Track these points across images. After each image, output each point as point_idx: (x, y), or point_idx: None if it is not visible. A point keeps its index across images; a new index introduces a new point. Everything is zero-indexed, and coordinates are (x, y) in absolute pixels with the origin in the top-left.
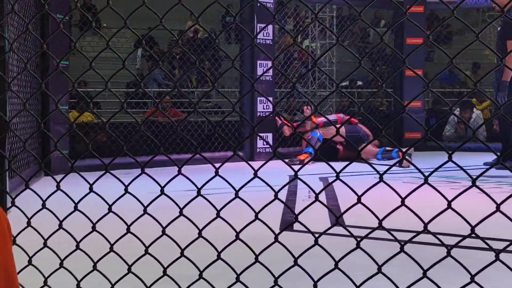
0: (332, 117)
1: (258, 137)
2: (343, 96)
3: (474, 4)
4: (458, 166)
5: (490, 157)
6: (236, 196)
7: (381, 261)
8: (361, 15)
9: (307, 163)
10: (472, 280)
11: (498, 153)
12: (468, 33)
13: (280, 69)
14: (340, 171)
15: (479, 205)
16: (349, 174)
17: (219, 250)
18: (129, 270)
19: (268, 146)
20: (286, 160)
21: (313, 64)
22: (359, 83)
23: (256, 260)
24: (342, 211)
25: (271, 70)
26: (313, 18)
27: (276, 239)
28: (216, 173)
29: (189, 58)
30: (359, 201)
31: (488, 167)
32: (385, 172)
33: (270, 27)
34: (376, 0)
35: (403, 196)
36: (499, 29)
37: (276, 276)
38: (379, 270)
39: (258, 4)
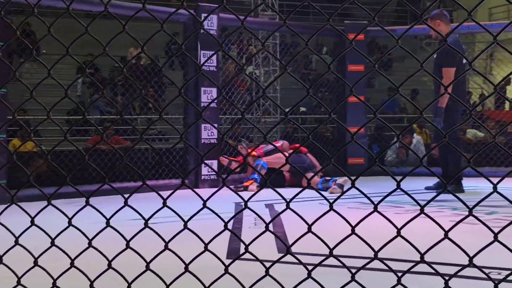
0: (271, 147)
1: (203, 165)
2: (287, 123)
3: (412, 32)
4: (407, 194)
5: (431, 181)
6: (185, 227)
7: None
8: (308, 43)
9: (258, 191)
10: None
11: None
12: (407, 60)
13: (225, 96)
14: (291, 200)
15: (425, 229)
16: (295, 201)
17: (168, 283)
18: None
19: (212, 173)
20: (232, 187)
21: (262, 91)
22: (303, 109)
23: None
24: (289, 238)
25: (215, 97)
26: (258, 45)
27: (226, 271)
28: (164, 204)
29: (132, 85)
30: (309, 230)
31: (430, 191)
32: (334, 201)
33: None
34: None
35: (352, 223)
36: (435, 56)
37: None
38: None
39: (202, 31)
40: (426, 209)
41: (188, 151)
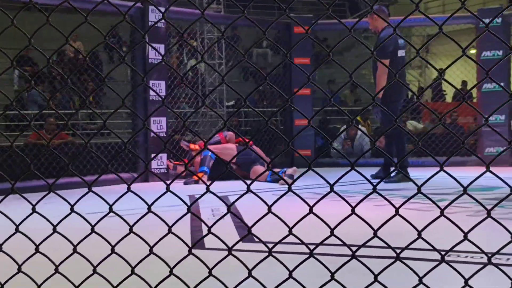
0: (216, 138)
1: (153, 158)
2: (232, 116)
3: (348, 25)
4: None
5: (374, 170)
6: (149, 211)
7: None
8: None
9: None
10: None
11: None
12: (345, 53)
13: (170, 89)
14: (251, 183)
15: (378, 217)
16: (256, 192)
17: (133, 266)
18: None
19: (163, 167)
20: (183, 181)
21: (221, 79)
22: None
23: (171, 273)
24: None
25: (163, 90)
26: (199, 38)
27: (190, 252)
28: (128, 189)
29: (70, 79)
30: (269, 211)
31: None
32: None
33: (161, 46)
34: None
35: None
36: (372, 49)
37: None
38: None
39: (149, 24)
40: (377, 199)
41: (138, 144)
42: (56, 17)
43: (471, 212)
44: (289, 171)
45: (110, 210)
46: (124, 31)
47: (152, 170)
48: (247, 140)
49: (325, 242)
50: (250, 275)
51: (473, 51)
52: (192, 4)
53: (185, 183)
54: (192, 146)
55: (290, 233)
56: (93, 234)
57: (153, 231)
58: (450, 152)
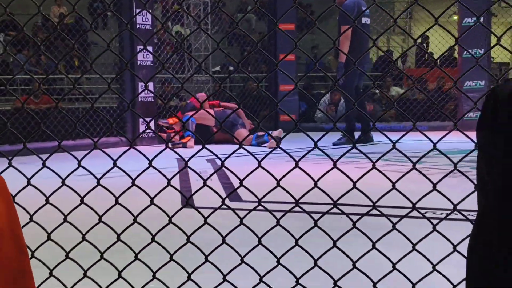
0: (189, 104)
1: (140, 122)
2: (216, 82)
3: None
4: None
5: (336, 137)
6: (133, 184)
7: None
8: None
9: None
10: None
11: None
12: (329, 19)
13: (157, 54)
14: (238, 148)
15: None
16: (235, 156)
17: (119, 233)
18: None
19: (149, 131)
20: (170, 145)
21: (217, 45)
22: (231, 68)
23: (153, 240)
24: (235, 188)
25: (150, 55)
26: (184, 4)
27: (170, 221)
28: (115, 164)
29: (54, 44)
30: (259, 165)
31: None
32: (262, 159)
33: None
34: None
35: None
36: (338, 18)
37: (171, 252)
38: (296, 243)
39: None
40: (360, 163)
41: (125, 109)
42: None
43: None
44: (275, 133)
45: (114, 164)
46: None
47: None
48: (216, 103)
49: (311, 200)
50: (241, 223)
51: (456, 17)
52: None
53: (172, 146)
54: (170, 120)
55: (278, 185)
56: (98, 188)
57: (147, 189)
58: (430, 117)
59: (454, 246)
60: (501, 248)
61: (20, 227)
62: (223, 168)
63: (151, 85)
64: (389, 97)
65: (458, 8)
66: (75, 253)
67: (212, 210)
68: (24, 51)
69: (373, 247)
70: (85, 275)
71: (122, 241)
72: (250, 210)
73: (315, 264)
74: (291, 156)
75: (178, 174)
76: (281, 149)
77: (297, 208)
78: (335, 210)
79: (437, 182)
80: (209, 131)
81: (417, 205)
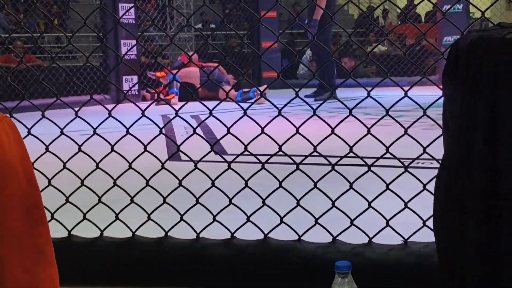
0: (179, 61)
1: (124, 80)
2: (199, 39)
3: None
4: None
5: (309, 91)
6: (128, 133)
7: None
8: None
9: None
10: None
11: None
12: None
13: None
14: (216, 106)
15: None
16: (220, 112)
17: (115, 178)
18: None
19: (134, 88)
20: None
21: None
22: (212, 25)
23: (147, 184)
24: (221, 142)
25: (133, 13)
26: None
27: (162, 166)
28: (109, 115)
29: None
30: (245, 113)
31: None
32: (248, 107)
33: None
34: None
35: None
36: None
37: (165, 196)
38: (280, 185)
39: None
40: (340, 116)
41: (108, 67)
42: None
43: (427, 126)
44: (261, 88)
45: (109, 115)
46: None
47: (124, 91)
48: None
49: (294, 151)
50: (229, 167)
51: None
52: None
53: (156, 103)
54: (158, 74)
55: (262, 131)
56: (92, 142)
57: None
58: (410, 73)
59: (424, 185)
60: (459, 184)
61: (31, 164)
62: (208, 124)
63: (133, 43)
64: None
65: None
66: (74, 198)
67: (201, 157)
68: (2, 10)
69: (350, 187)
70: (84, 218)
71: (118, 186)
72: (237, 155)
73: (298, 204)
74: (274, 106)
75: (164, 129)
76: (267, 100)
77: (281, 159)
78: (317, 160)
79: (408, 127)
80: (193, 89)
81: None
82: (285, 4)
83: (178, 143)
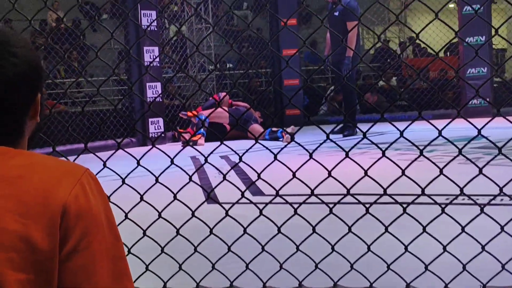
0: (210, 101)
1: (150, 122)
2: (221, 79)
3: None
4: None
5: (365, 126)
6: (157, 181)
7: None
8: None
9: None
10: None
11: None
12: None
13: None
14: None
15: (378, 169)
16: (252, 151)
17: (144, 229)
18: None
19: (160, 130)
20: (181, 143)
21: (195, 48)
22: (229, 65)
23: (177, 233)
24: (253, 181)
25: (157, 56)
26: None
27: (193, 215)
28: (138, 164)
29: (54, 49)
30: (275, 158)
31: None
32: (278, 152)
33: (154, 13)
34: None
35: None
36: (336, 14)
37: (196, 244)
38: (314, 230)
39: None
40: (370, 152)
41: (134, 110)
42: None
43: (462, 160)
44: (288, 129)
45: (138, 164)
46: None
47: (150, 134)
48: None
49: (326, 191)
50: (261, 213)
51: (452, 5)
52: None
53: (183, 145)
54: (189, 113)
55: (294, 176)
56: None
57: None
58: (434, 105)
59: (463, 228)
60: None
61: (113, 215)
62: (239, 164)
63: (159, 85)
64: (395, 88)
65: None
66: None
67: (232, 203)
68: None
69: (386, 230)
70: None
71: (148, 236)
72: (268, 202)
73: (333, 249)
74: (305, 149)
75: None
76: (296, 142)
77: (314, 199)
78: (349, 199)
79: (443, 167)
80: (222, 129)
81: (427, 192)
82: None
83: (211, 185)
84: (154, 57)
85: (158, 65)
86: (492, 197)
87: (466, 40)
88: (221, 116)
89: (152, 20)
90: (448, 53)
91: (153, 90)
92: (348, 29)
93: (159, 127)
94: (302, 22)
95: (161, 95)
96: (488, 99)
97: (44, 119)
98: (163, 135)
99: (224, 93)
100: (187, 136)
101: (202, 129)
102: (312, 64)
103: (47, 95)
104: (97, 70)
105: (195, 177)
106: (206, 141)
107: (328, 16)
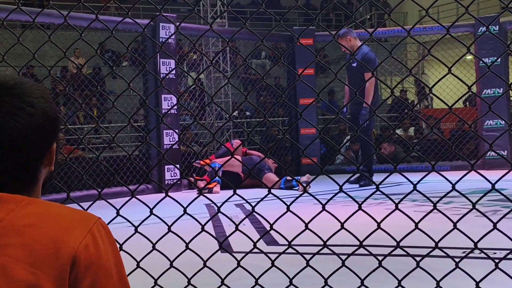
0: (223, 149)
1: (166, 169)
2: (236, 127)
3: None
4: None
5: (380, 176)
6: (169, 230)
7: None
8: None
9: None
10: (399, 284)
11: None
12: (342, 61)
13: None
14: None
15: (392, 221)
16: (267, 199)
17: (156, 278)
18: None
19: (176, 177)
20: (197, 191)
21: (211, 98)
22: (247, 113)
23: (189, 283)
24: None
25: (175, 103)
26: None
27: (204, 265)
28: (151, 212)
29: (74, 95)
30: (288, 209)
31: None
32: (291, 203)
33: (172, 61)
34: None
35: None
36: (354, 65)
37: None
38: (326, 283)
39: (160, 40)
40: (386, 203)
41: (151, 157)
42: (58, 34)
43: (478, 213)
44: (303, 178)
45: (151, 212)
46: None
47: (166, 180)
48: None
49: (339, 241)
50: (273, 265)
51: (469, 57)
52: (203, 19)
53: (199, 193)
54: (202, 162)
55: (306, 227)
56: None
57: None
58: (452, 157)
59: (477, 283)
60: None
61: (123, 265)
62: (254, 214)
63: (175, 133)
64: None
65: (474, 48)
66: None
67: (245, 253)
68: None
69: (399, 284)
70: None
71: (159, 285)
72: (280, 253)
73: None
74: (318, 201)
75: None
76: (309, 193)
77: (326, 250)
78: (362, 251)
79: (458, 221)
80: (235, 177)
81: (442, 245)
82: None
83: (225, 233)
84: (172, 104)
85: (175, 112)
86: (508, 252)
87: (484, 92)
88: (233, 165)
89: (170, 68)
90: (467, 104)
91: (170, 138)
92: (367, 81)
93: (175, 174)
94: (319, 71)
95: (177, 143)
96: (505, 152)
97: (59, 167)
98: (179, 182)
99: (237, 141)
100: (202, 183)
101: (217, 177)
102: (329, 114)
103: (65, 140)
104: (115, 117)
105: (210, 225)
106: (222, 189)
107: (347, 66)
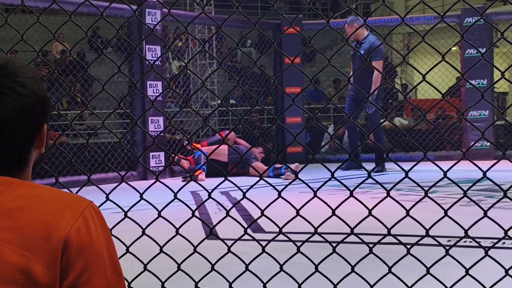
0: (217, 137)
1: (151, 156)
2: (222, 115)
3: (334, 25)
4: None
5: (335, 165)
6: (159, 215)
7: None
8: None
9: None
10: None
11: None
12: (328, 51)
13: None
14: (252, 186)
15: (381, 208)
16: (256, 187)
17: (145, 263)
18: None
19: (161, 165)
20: (182, 178)
21: (201, 83)
22: (232, 101)
23: (179, 268)
24: (257, 218)
25: (160, 90)
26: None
27: (195, 250)
28: (141, 197)
29: (57, 80)
30: (279, 195)
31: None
32: (282, 189)
33: (158, 48)
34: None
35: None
36: (362, 51)
37: (197, 280)
38: (316, 269)
39: (146, 26)
40: (374, 192)
41: (136, 143)
42: (41, 19)
43: (464, 202)
44: (292, 166)
45: (141, 197)
46: (111, 32)
47: (151, 167)
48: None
49: (329, 229)
50: (263, 251)
51: (455, 48)
52: (197, 3)
53: (183, 179)
54: (194, 144)
55: (298, 214)
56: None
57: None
58: (436, 146)
59: (467, 270)
60: None
61: (115, 250)
62: (241, 202)
63: (161, 120)
64: (401, 129)
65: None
66: None
67: (234, 240)
68: None
69: (389, 271)
70: None
71: (149, 271)
72: (271, 239)
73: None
74: (310, 187)
75: (195, 206)
76: (301, 180)
77: (316, 238)
78: (351, 239)
79: (448, 209)
80: (221, 165)
81: (431, 233)
82: (306, 79)
83: (212, 220)
84: (157, 91)
85: (161, 99)
86: (496, 240)
87: (468, 84)
88: (220, 154)
89: (156, 55)
90: (449, 96)
91: (155, 124)
92: (373, 68)
93: (159, 161)
94: (305, 60)
95: (166, 129)
96: (488, 143)
97: (48, 150)
98: (165, 169)
99: (233, 133)
100: (186, 163)
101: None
102: (314, 103)
103: (49, 126)
104: (100, 103)
105: (196, 212)
106: (206, 176)
107: (352, 55)
